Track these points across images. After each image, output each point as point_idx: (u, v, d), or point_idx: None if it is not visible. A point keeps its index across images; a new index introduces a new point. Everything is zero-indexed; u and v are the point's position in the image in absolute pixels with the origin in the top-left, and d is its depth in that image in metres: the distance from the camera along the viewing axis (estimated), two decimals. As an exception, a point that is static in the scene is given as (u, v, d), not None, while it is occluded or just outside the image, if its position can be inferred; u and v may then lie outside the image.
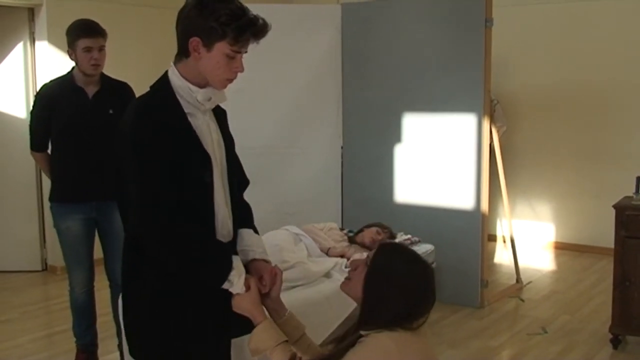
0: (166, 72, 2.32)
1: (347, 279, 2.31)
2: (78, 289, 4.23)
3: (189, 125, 2.26)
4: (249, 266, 2.41)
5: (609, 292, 4.71)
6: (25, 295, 6.03)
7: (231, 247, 2.39)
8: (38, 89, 4.20)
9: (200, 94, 2.27)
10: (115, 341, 4.44)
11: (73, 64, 4.10)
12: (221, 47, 2.20)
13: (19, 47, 6.59)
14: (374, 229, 5.02)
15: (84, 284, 4.23)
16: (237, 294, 2.28)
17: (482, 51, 5.36)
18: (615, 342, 4.68)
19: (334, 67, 6.08)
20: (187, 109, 2.27)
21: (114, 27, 6.72)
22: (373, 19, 5.91)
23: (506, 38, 7.01)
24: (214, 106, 2.39)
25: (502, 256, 7.25)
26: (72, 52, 3.99)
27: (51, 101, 4.06)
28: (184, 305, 2.30)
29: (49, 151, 4.21)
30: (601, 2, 7.09)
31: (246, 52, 2.29)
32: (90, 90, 4.08)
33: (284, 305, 2.47)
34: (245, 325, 2.34)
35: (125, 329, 2.46)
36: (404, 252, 2.29)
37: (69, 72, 4.12)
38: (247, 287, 2.29)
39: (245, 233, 2.50)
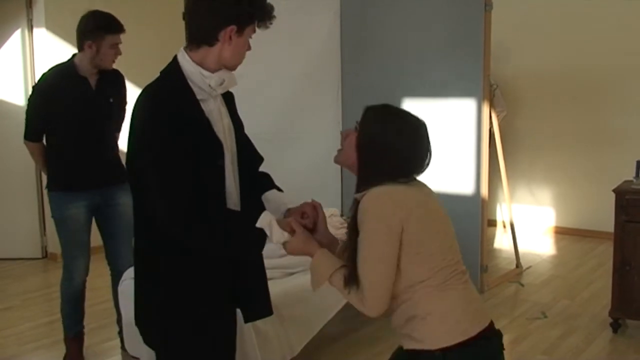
0: (175, 57, 2.32)
1: (339, 150, 2.33)
2: (79, 278, 4.21)
3: (201, 113, 2.27)
4: (286, 217, 2.44)
5: (609, 277, 4.72)
6: (25, 283, 6.05)
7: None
8: (37, 76, 4.17)
9: (213, 79, 2.28)
10: (116, 328, 4.45)
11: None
12: (249, 31, 2.28)
13: (17, 34, 6.57)
14: None
15: (85, 272, 4.23)
16: (285, 241, 2.30)
17: (482, 35, 5.33)
18: (615, 326, 4.69)
19: (332, 52, 6.06)
20: (198, 95, 2.28)
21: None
22: (372, 3, 5.89)
23: (506, 22, 6.98)
24: (225, 91, 2.40)
25: (501, 241, 7.26)
26: (92, 44, 3.92)
27: (53, 91, 4.01)
28: (199, 285, 2.33)
29: (44, 141, 4.17)
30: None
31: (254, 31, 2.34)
32: (93, 80, 4.06)
33: (334, 236, 2.48)
34: (258, 309, 2.48)
35: (137, 313, 2.46)
36: (393, 111, 2.30)
37: (69, 60, 4.07)
38: (292, 231, 2.30)
39: (270, 194, 2.56)
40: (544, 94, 7.50)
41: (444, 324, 2.14)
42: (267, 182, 2.62)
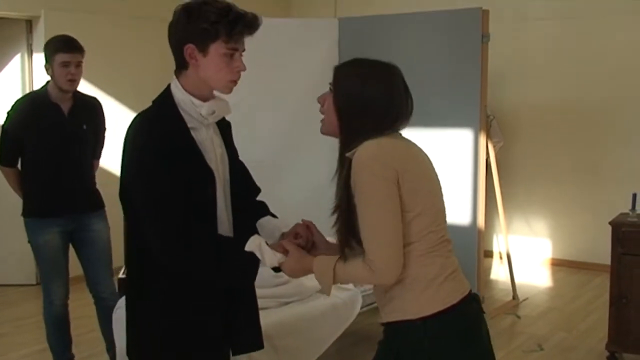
0: (169, 86, 2.32)
1: (321, 121, 2.29)
2: (59, 302, 4.21)
3: (192, 142, 2.26)
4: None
5: (606, 309, 4.70)
6: (18, 309, 6.00)
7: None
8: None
9: (204, 108, 2.27)
10: (106, 357, 4.40)
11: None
12: (217, 48, 2.21)
13: (17, 58, 6.60)
14: None
15: (65, 295, 4.23)
16: (281, 263, 2.26)
17: (479, 66, 5.36)
18: (612, 360, 4.66)
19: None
20: (190, 123, 2.27)
21: (110, 39, 6.79)
22: (370, 33, 5.92)
23: (503, 54, 7.03)
24: (217, 120, 2.38)
25: (498, 272, 7.24)
26: (49, 67, 4.01)
27: (26, 118, 4.06)
28: (191, 316, 2.31)
29: (19, 166, 4.19)
30: (598, 19, 7.11)
31: (244, 50, 2.29)
32: (65, 107, 4.10)
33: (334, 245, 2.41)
34: (249, 342, 2.46)
35: (129, 343, 2.44)
36: (363, 63, 2.24)
37: (43, 88, 4.13)
38: (285, 251, 2.27)
39: (264, 220, 2.54)
40: (540, 125, 7.52)
41: (427, 291, 2.09)
42: (262, 209, 2.61)
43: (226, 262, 2.24)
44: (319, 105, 2.29)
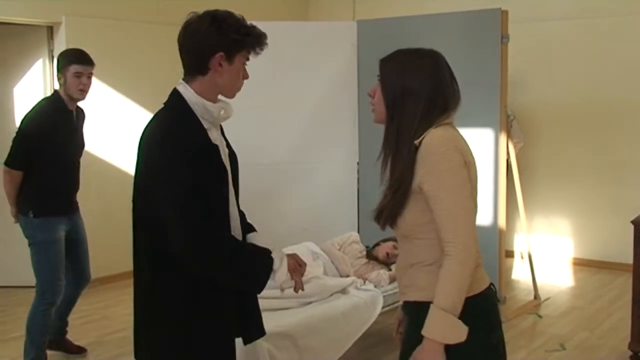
0: (176, 90, 2.37)
1: (372, 112, 2.34)
2: (59, 300, 4.43)
3: (211, 143, 2.32)
4: None
5: (628, 309, 4.67)
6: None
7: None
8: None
9: (215, 108, 2.35)
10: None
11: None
12: (241, 58, 2.34)
13: (39, 64, 6.66)
14: (390, 243, 4.97)
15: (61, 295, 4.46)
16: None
17: (499, 67, 5.36)
18: (635, 359, 4.63)
19: (350, 84, 6.09)
20: (204, 125, 2.33)
21: (129, 44, 6.85)
22: (389, 35, 5.92)
23: (522, 54, 7.01)
24: (225, 119, 2.45)
25: (519, 272, 7.21)
26: (61, 77, 4.30)
27: (48, 124, 4.29)
28: (206, 311, 2.34)
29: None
30: (617, 18, 7.07)
31: (248, 59, 2.41)
32: (73, 114, 4.45)
33: None
34: (256, 330, 2.55)
35: (145, 344, 2.46)
36: (407, 53, 2.35)
37: (54, 96, 4.41)
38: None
39: (251, 236, 2.61)
40: (561, 125, 7.49)
41: None
42: (248, 223, 2.68)
43: (242, 265, 2.32)
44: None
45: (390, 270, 4.83)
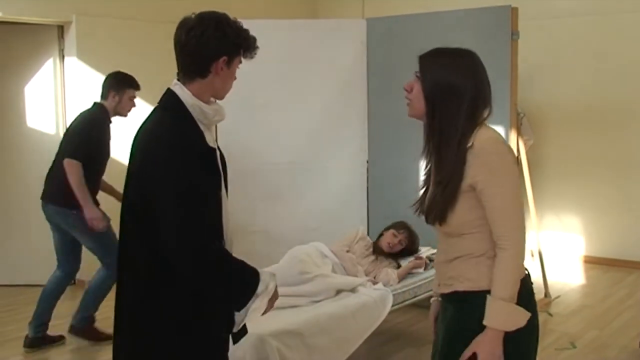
0: (171, 91, 2.37)
1: (408, 105, 2.38)
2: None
3: (208, 146, 2.33)
4: None
5: (639, 307, 4.65)
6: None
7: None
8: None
9: (212, 111, 2.35)
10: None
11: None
12: (237, 62, 2.37)
13: (49, 63, 6.69)
14: (390, 232, 4.93)
15: None
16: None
17: (509, 64, 5.34)
18: (646, 358, 4.62)
19: (359, 81, 6.09)
20: (200, 127, 2.34)
21: (142, 44, 6.87)
22: (398, 32, 5.92)
23: (533, 51, 6.98)
24: (219, 122, 2.45)
25: (530, 270, 7.18)
26: (115, 95, 4.96)
27: (104, 130, 4.95)
28: (200, 315, 2.32)
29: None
30: (626, 15, 7.04)
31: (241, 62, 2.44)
32: None
33: None
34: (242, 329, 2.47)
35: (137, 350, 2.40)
36: (447, 52, 2.43)
37: (102, 108, 4.95)
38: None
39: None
40: (571, 122, 7.47)
41: None
42: None
43: (225, 279, 2.26)
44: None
45: (399, 266, 4.82)
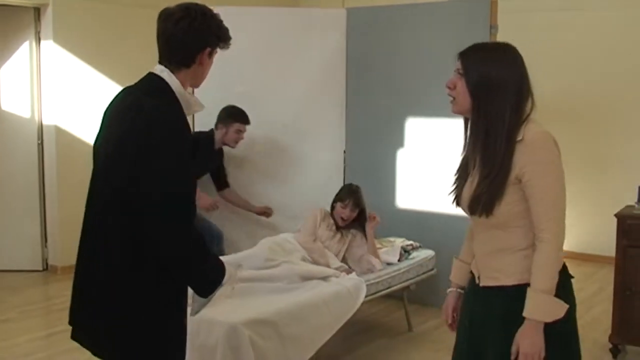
0: (158, 76, 2.37)
1: (451, 102, 2.39)
2: None
3: (190, 130, 2.39)
4: None
5: (610, 301, 4.70)
6: (25, 295, 6.04)
7: None
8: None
9: (194, 101, 2.41)
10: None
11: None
12: (215, 52, 2.43)
13: (25, 46, 6.61)
14: (337, 205, 4.82)
15: None
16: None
17: (487, 58, 5.34)
18: (615, 352, 4.66)
19: (338, 71, 6.07)
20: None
21: (119, 29, 6.80)
22: (378, 23, 5.91)
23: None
24: (196, 111, 2.50)
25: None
26: (222, 127, 5.34)
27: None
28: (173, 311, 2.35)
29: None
30: (606, 12, 7.09)
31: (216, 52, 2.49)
32: None
33: None
34: None
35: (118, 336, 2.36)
36: (486, 47, 2.47)
37: (212, 133, 5.36)
38: None
39: None
40: (545, 117, 7.44)
41: None
42: None
43: (201, 265, 2.31)
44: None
45: (364, 232, 4.80)
